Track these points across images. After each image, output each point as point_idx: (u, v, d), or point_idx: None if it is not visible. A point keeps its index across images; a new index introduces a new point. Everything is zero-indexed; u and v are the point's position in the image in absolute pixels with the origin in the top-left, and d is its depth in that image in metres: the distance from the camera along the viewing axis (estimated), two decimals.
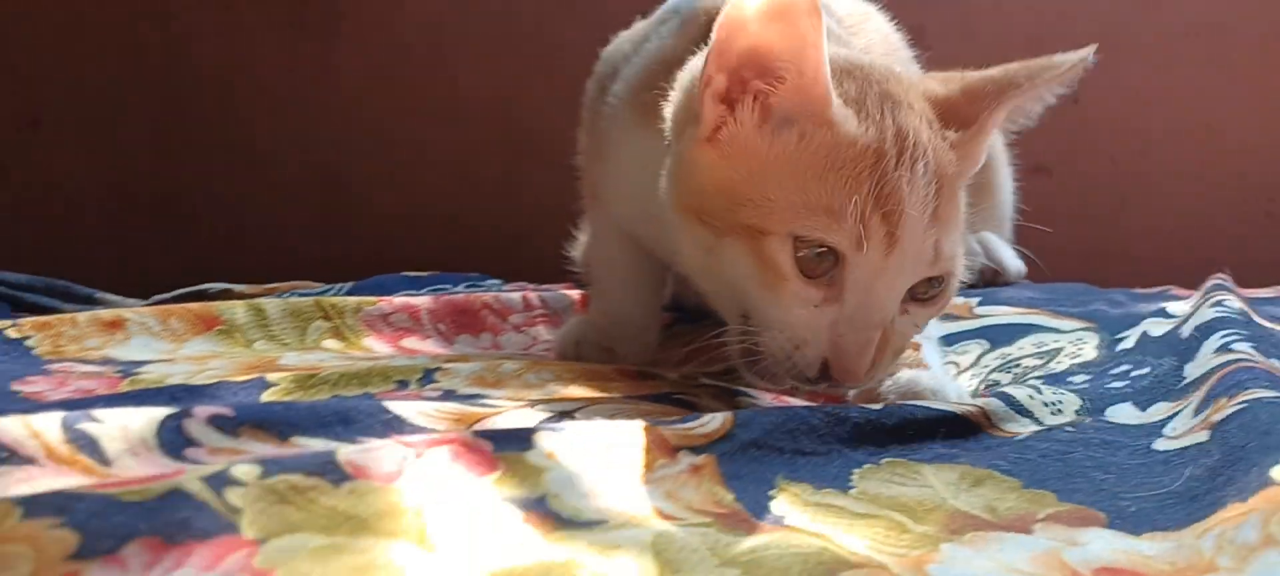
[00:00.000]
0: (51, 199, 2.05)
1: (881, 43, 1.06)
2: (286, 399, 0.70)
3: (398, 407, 0.64)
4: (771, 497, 0.56)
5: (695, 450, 0.58)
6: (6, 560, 0.38)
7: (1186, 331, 0.89)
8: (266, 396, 0.71)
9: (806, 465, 0.62)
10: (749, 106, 0.70)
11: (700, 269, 0.76)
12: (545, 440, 0.54)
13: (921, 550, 0.49)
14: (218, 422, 0.59)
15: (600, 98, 0.97)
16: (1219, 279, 1.16)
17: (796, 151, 0.69)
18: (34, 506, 0.41)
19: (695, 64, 0.78)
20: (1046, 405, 0.75)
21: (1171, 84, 1.83)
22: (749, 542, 0.48)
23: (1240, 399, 0.65)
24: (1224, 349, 0.79)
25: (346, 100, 2.02)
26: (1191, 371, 0.79)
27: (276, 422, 0.60)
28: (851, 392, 0.78)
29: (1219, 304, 0.92)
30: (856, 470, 0.61)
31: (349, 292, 1.44)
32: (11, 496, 0.42)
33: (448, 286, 1.55)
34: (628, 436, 0.58)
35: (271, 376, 0.72)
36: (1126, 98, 1.84)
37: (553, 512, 0.48)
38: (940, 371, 0.85)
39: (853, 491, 0.58)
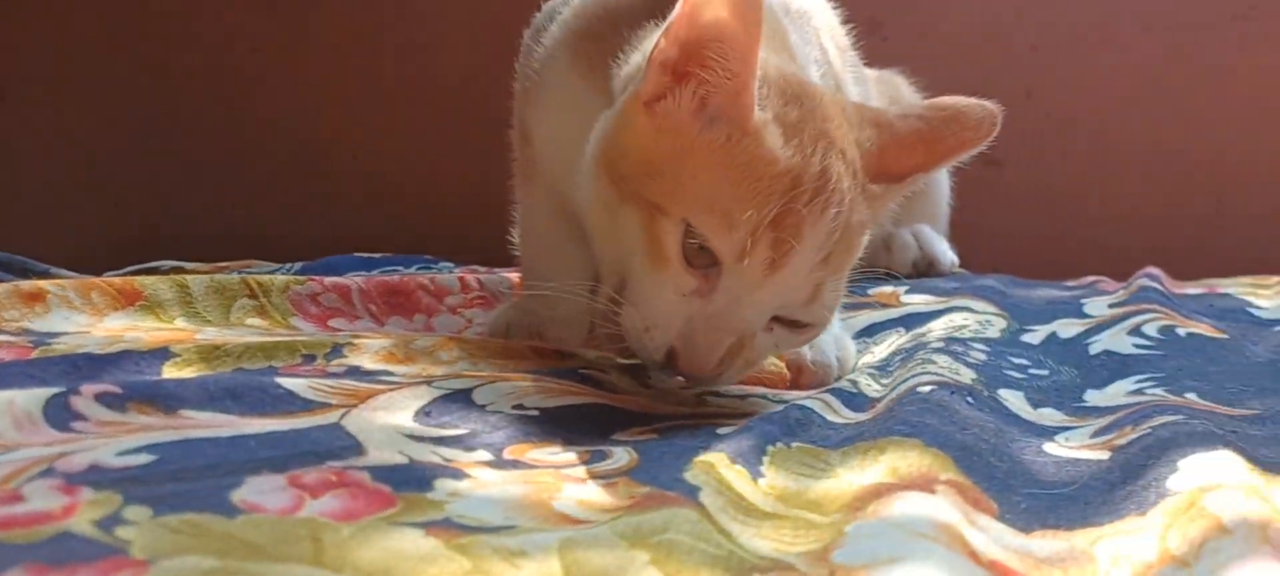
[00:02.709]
0: (17, 173, 2.05)
1: (827, 35, 1.06)
2: (189, 370, 0.72)
3: (290, 383, 0.66)
4: (686, 472, 0.57)
5: (605, 477, 0.59)
6: None
7: (1095, 348, 0.90)
8: (169, 367, 0.72)
9: (720, 441, 0.63)
10: (691, 91, 0.71)
11: (598, 227, 0.78)
12: (447, 484, 0.54)
13: (828, 539, 0.50)
14: (106, 400, 0.60)
15: (536, 41, 0.97)
16: (1146, 276, 1.19)
17: (721, 149, 0.70)
18: None
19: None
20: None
21: (1125, 78, 1.85)
22: (661, 518, 0.49)
23: (1146, 426, 0.67)
24: (1137, 392, 0.81)
25: (316, 79, 2.02)
26: (1095, 399, 0.81)
27: (165, 397, 0.61)
28: (692, 390, 0.80)
29: (1138, 331, 0.94)
30: (770, 448, 0.63)
31: (298, 272, 1.45)
32: None
33: (400, 268, 1.55)
34: (536, 476, 0.58)
35: (176, 347, 0.73)
36: (1079, 92, 1.86)
37: (458, 525, 0.48)
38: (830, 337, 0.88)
39: (763, 482, 0.58)
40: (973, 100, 0.79)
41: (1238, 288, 1.22)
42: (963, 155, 0.78)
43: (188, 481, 0.50)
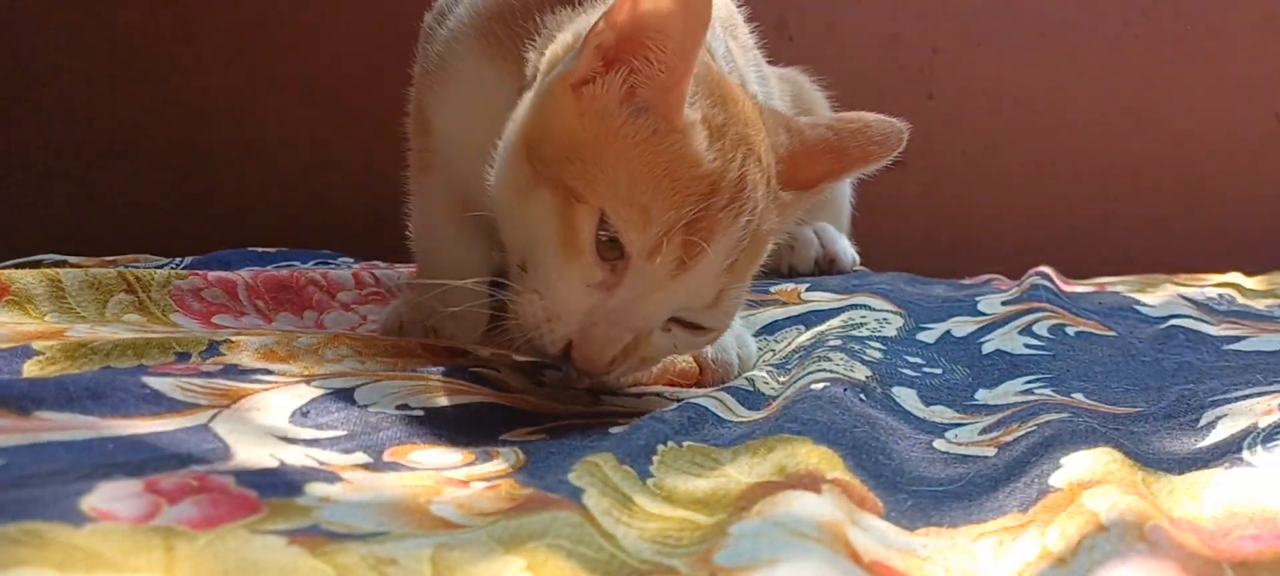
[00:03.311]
0: None
1: (731, 32, 1.05)
2: (52, 368, 0.68)
3: (157, 383, 0.62)
4: (571, 473, 0.55)
5: (489, 479, 0.57)
6: None
7: (987, 347, 0.91)
8: (30, 365, 0.67)
9: (609, 440, 0.62)
10: (620, 78, 0.70)
11: (507, 209, 0.75)
12: (318, 489, 0.51)
13: (712, 540, 0.48)
14: None
15: (439, 23, 0.94)
16: (1039, 274, 1.21)
17: (645, 142, 0.69)
18: None
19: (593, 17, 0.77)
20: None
21: (1022, 83, 1.89)
22: (542, 521, 0.47)
23: (1032, 424, 0.67)
24: (1027, 392, 0.82)
25: (204, 70, 1.96)
26: (986, 398, 0.82)
27: (19, 398, 0.57)
28: (584, 382, 0.79)
29: (1028, 330, 0.95)
30: (660, 447, 0.61)
31: (187, 266, 1.39)
32: None
33: (296, 263, 1.50)
34: (415, 479, 0.56)
35: (38, 344, 0.69)
36: (979, 95, 1.90)
37: (325, 532, 0.46)
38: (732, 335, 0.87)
39: (651, 481, 0.57)
40: (880, 116, 0.79)
41: (1126, 286, 1.25)
42: (869, 167, 0.78)
43: (34, 487, 0.47)
